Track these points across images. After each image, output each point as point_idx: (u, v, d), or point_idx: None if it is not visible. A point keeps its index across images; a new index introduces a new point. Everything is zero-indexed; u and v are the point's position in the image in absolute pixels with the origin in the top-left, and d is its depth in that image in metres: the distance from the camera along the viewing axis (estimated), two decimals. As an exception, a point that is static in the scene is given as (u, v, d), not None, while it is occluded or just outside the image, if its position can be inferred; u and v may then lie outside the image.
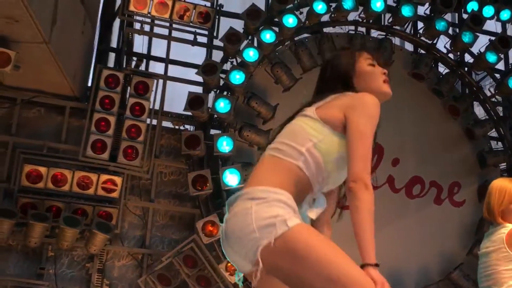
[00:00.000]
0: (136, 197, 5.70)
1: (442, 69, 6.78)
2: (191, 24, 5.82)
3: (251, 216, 1.82)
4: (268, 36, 5.71)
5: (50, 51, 4.66)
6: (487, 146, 6.71)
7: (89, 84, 5.77)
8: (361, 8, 6.20)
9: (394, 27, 6.54)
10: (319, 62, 5.85)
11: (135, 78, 5.57)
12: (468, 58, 6.74)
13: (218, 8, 6.04)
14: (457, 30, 6.79)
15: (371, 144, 1.96)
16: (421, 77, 6.50)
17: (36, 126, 5.59)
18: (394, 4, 6.46)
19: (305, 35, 6.28)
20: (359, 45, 6.16)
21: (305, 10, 6.06)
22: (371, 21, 6.43)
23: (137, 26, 5.98)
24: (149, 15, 5.72)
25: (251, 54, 5.64)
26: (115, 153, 5.40)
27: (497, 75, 6.78)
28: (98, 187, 5.30)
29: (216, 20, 5.96)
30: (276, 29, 5.84)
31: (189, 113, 5.61)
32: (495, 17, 6.72)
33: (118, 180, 5.37)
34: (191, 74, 5.83)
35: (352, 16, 6.33)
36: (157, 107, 5.73)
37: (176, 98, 5.90)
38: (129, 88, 5.62)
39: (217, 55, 5.97)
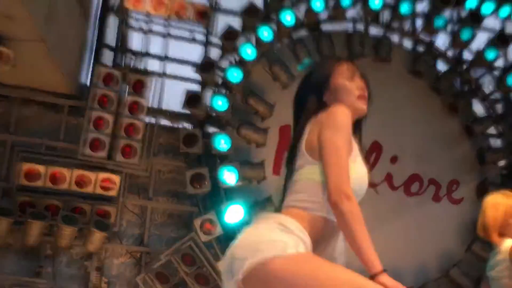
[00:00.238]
0: (134, 195, 5.71)
1: (441, 66, 6.76)
2: (189, 19, 5.82)
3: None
4: (265, 34, 5.69)
5: (46, 49, 4.65)
6: (486, 143, 6.69)
7: (86, 81, 5.76)
8: (359, 6, 6.19)
9: (392, 24, 6.52)
10: (317, 60, 5.84)
11: (132, 76, 5.57)
12: (467, 55, 6.71)
13: (215, 5, 6.03)
14: (456, 27, 6.77)
15: (346, 155, 1.92)
16: (420, 74, 6.48)
17: (34, 124, 5.59)
18: (393, 1, 6.44)
19: (303, 32, 6.26)
20: (358, 43, 6.15)
21: (303, 7, 6.05)
22: (369, 18, 6.41)
23: (133, 23, 5.98)
24: (145, 12, 5.72)
25: (248, 52, 5.63)
26: (113, 152, 5.39)
27: (497, 72, 6.76)
28: (97, 185, 5.30)
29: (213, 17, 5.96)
30: (274, 26, 5.82)
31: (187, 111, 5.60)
32: (495, 14, 6.69)
33: (116, 178, 5.37)
34: (186, 71, 5.82)
35: (350, 14, 6.32)
36: (155, 105, 5.73)
37: (172, 96, 5.90)
38: (127, 86, 5.61)
39: (214, 53, 5.96)
